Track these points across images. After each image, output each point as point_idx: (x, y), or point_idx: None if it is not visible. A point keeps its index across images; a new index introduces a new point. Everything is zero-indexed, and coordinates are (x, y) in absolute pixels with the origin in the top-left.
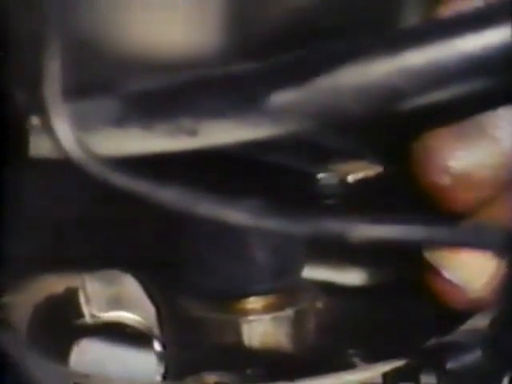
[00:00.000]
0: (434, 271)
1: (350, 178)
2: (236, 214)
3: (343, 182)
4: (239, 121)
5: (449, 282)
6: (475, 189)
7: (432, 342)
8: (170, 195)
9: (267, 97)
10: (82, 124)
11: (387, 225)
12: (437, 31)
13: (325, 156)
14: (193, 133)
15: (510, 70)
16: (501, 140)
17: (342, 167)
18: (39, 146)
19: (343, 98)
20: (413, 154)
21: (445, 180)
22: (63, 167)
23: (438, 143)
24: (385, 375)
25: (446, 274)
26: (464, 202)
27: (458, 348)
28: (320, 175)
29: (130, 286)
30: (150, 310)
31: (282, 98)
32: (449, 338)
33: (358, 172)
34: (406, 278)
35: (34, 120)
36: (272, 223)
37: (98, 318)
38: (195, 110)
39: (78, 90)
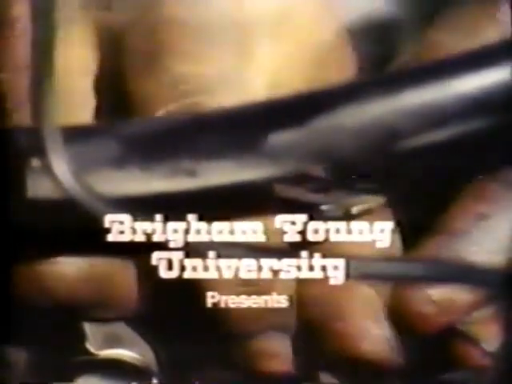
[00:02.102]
0: (469, 343)
1: (354, 210)
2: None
3: (347, 213)
4: (238, 161)
5: (487, 354)
6: (456, 312)
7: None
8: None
9: (266, 137)
10: (81, 165)
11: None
12: (434, 71)
13: (328, 188)
14: (192, 173)
15: (508, 110)
16: None
17: (346, 199)
18: (38, 187)
19: (341, 138)
20: (394, 289)
21: (428, 309)
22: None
23: None
24: None
25: (486, 347)
26: (442, 324)
27: None
28: (323, 207)
29: None
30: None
31: (281, 138)
32: (450, 377)
33: (361, 204)
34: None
35: (34, 161)
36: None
37: (96, 355)
38: (194, 151)
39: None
